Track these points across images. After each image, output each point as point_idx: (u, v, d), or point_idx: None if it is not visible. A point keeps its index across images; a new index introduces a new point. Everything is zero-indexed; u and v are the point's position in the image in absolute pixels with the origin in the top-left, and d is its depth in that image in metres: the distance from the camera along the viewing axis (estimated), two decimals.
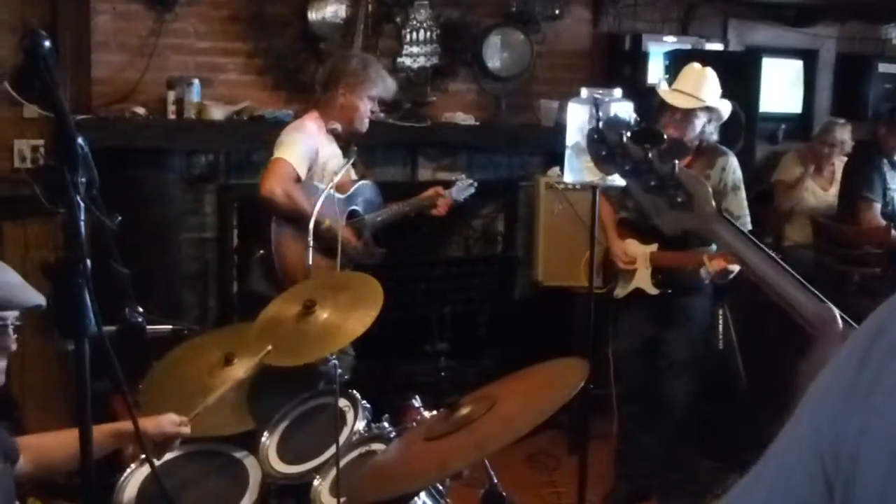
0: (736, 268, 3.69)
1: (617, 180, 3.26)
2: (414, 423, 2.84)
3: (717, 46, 6.09)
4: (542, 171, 5.56)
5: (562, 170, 3.74)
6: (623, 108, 3.13)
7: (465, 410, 2.41)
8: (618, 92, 3.50)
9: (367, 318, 2.71)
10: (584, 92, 3.48)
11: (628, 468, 4.41)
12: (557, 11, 5.73)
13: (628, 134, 1.46)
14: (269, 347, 2.70)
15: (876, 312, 0.81)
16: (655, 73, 5.54)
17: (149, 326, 2.32)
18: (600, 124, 1.49)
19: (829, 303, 1.32)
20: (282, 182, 3.70)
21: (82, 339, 1.59)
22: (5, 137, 4.61)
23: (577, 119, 3.42)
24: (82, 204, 1.55)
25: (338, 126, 3.93)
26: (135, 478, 2.63)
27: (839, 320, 1.27)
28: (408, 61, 5.37)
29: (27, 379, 4.40)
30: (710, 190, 1.43)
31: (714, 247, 3.78)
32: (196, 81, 4.81)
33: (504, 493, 2.65)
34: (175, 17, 4.86)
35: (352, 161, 3.84)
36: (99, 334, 1.62)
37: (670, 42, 5.82)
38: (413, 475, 2.38)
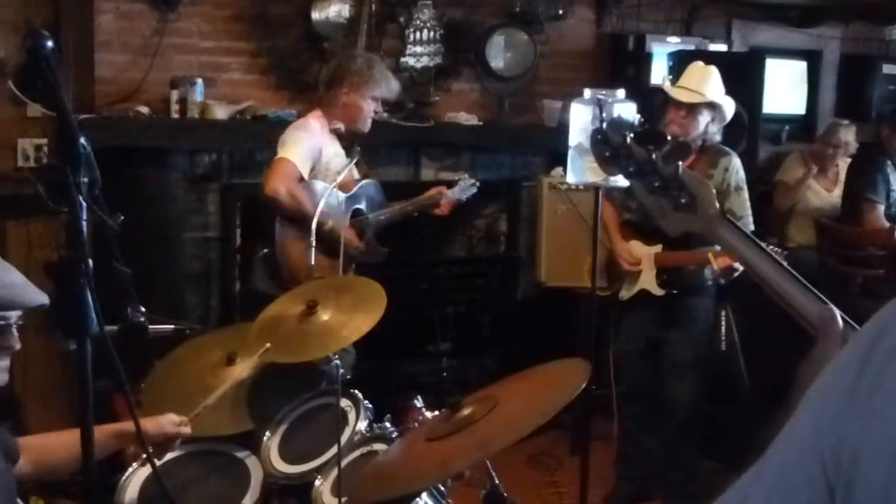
0: (741, 266, 3.69)
1: (620, 181, 3.26)
2: (416, 424, 2.84)
3: (720, 47, 6.08)
4: (545, 172, 5.56)
5: (565, 170, 3.73)
6: (626, 109, 3.13)
7: (466, 411, 2.41)
8: (621, 93, 3.49)
9: (369, 321, 2.71)
10: (587, 92, 3.47)
11: (630, 469, 4.41)
12: (561, 11, 5.73)
13: (632, 135, 1.45)
14: (268, 345, 2.69)
15: (878, 314, 0.81)
16: (659, 73, 5.53)
17: (151, 326, 2.32)
18: (604, 125, 1.49)
19: (831, 304, 1.32)
20: (285, 182, 3.70)
21: (84, 339, 1.59)
22: (9, 136, 4.61)
23: (579, 120, 3.41)
24: (84, 204, 1.55)
25: (340, 126, 3.93)
26: (136, 477, 2.63)
27: (841, 322, 1.26)
28: (411, 61, 5.37)
29: (30, 378, 4.40)
30: (714, 191, 1.43)
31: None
32: (199, 81, 4.82)
33: (505, 494, 2.65)
34: (178, 16, 4.86)
35: (355, 160, 3.85)
36: (101, 334, 1.62)
37: (674, 42, 5.82)
38: (414, 475, 2.38)
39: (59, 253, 1.71)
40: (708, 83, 4.01)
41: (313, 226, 3.30)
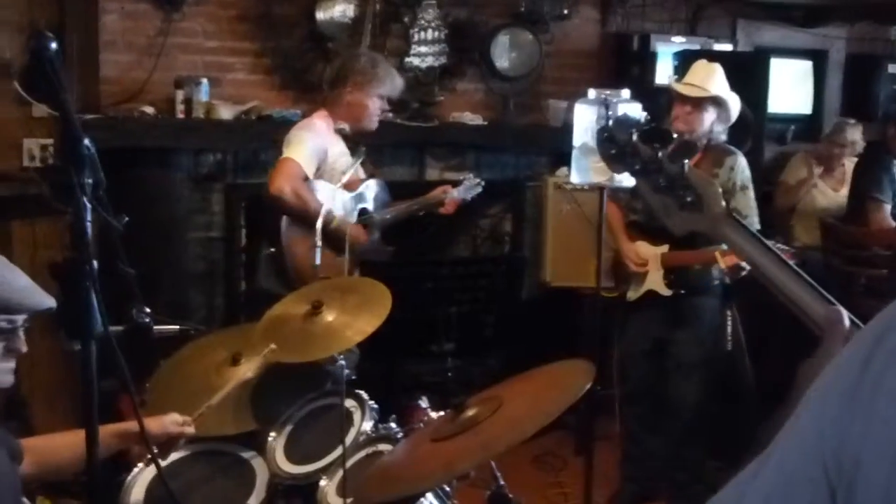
0: (747, 265, 3.68)
1: (624, 181, 3.27)
2: (421, 424, 2.84)
3: (725, 47, 6.08)
4: (550, 172, 5.56)
5: (570, 170, 3.73)
6: (631, 109, 3.13)
7: (471, 412, 2.41)
8: (626, 92, 3.49)
9: (373, 322, 2.71)
10: (591, 93, 3.47)
11: (634, 469, 4.40)
12: (566, 11, 5.73)
13: (638, 133, 1.45)
14: (273, 346, 2.69)
15: (882, 313, 0.80)
16: (664, 73, 5.53)
17: (155, 327, 2.32)
18: (610, 123, 1.48)
19: (839, 304, 1.31)
20: (290, 181, 3.70)
21: (89, 340, 1.59)
22: (15, 136, 4.62)
23: (584, 120, 3.42)
24: (88, 205, 1.55)
25: (345, 126, 3.92)
26: (142, 478, 2.63)
27: (847, 322, 1.26)
28: (416, 61, 5.37)
29: (35, 378, 4.41)
30: (720, 190, 1.43)
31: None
32: (204, 81, 4.82)
33: (510, 495, 2.65)
34: (183, 16, 4.86)
35: (360, 160, 3.84)
36: (105, 334, 1.62)
37: (679, 42, 5.81)
38: (419, 476, 2.38)
39: (64, 253, 1.71)
40: (712, 79, 4.02)
41: (318, 225, 3.30)
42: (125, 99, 4.74)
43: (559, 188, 5.31)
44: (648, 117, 1.54)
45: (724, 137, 4.14)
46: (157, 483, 2.57)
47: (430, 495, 2.55)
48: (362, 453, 2.79)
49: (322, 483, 2.71)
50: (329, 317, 2.77)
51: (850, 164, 5.96)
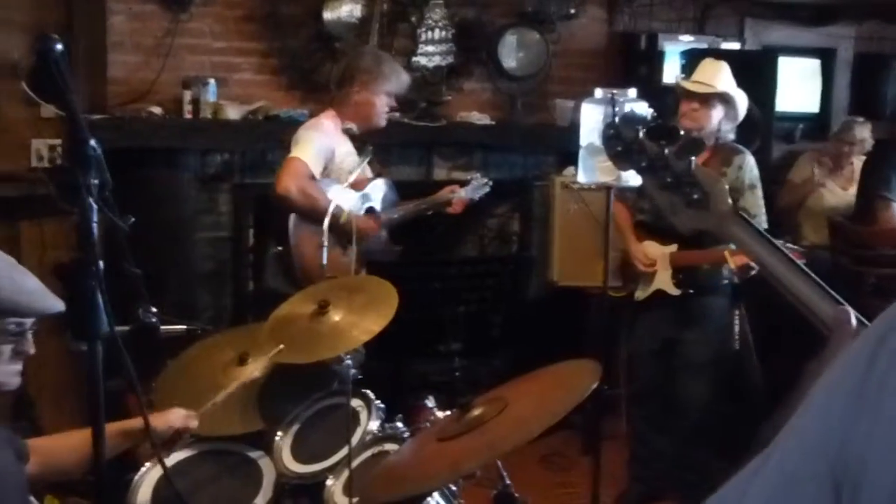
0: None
1: (631, 181, 3.26)
2: (427, 424, 2.84)
3: (733, 45, 6.06)
4: (557, 171, 5.55)
5: (577, 170, 3.73)
6: (638, 108, 3.12)
7: (477, 411, 2.41)
8: (633, 91, 3.48)
9: (380, 322, 2.71)
10: (598, 92, 3.46)
11: (641, 469, 4.39)
12: (573, 11, 5.72)
13: (644, 130, 1.44)
14: (281, 346, 2.69)
15: (886, 312, 0.79)
16: (671, 72, 5.51)
17: (162, 327, 2.32)
18: (616, 120, 1.48)
19: (847, 305, 1.31)
20: (296, 180, 3.71)
21: (95, 341, 1.59)
22: (23, 137, 4.63)
23: (590, 119, 3.41)
24: (95, 205, 1.55)
25: (352, 126, 3.92)
26: (149, 477, 2.63)
27: (855, 322, 1.25)
28: (423, 60, 5.37)
29: (43, 378, 4.42)
30: (727, 188, 1.42)
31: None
32: (212, 81, 4.83)
33: (517, 494, 2.65)
34: (190, 17, 4.87)
35: (367, 159, 3.84)
36: (112, 335, 1.63)
37: (686, 41, 5.79)
38: (425, 476, 2.38)
39: (71, 254, 1.71)
40: (720, 77, 4.02)
41: (325, 225, 3.30)
42: (133, 99, 4.75)
43: (566, 188, 5.30)
44: (655, 114, 1.53)
45: (732, 136, 4.13)
46: (165, 482, 2.58)
47: (436, 494, 2.55)
48: (368, 453, 2.79)
49: (329, 482, 2.71)
50: (336, 316, 2.77)
51: (858, 162, 5.93)
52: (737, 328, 4.36)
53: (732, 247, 3.77)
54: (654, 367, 4.30)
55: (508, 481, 2.66)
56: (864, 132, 5.95)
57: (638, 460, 4.42)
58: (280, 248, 3.90)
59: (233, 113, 4.84)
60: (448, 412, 2.74)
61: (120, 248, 1.78)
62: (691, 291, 4.13)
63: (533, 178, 5.73)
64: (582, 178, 3.62)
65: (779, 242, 1.40)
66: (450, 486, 2.65)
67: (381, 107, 4.03)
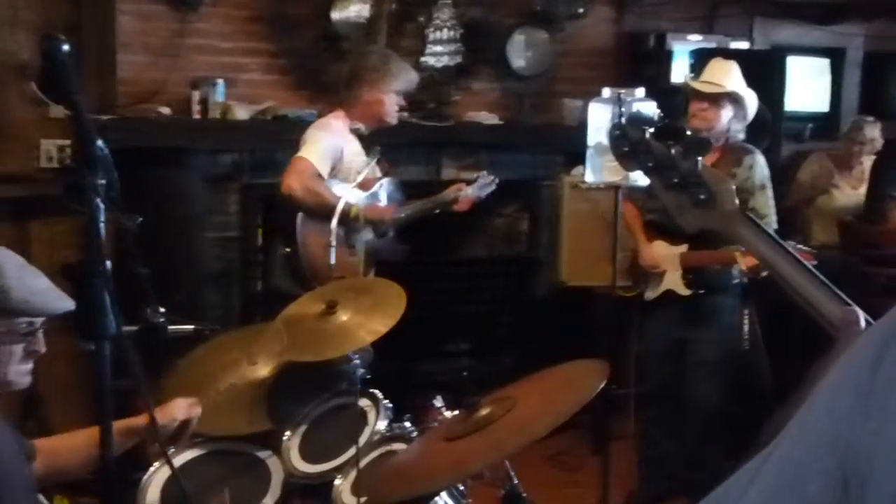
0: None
1: (639, 180, 3.26)
2: (435, 423, 2.84)
3: (742, 45, 6.05)
4: (565, 171, 5.54)
5: (585, 169, 3.73)
6: (646, 108, 3.12)
7: (484, 411, 2.41)
8: (640, 91, 3.48)
9: (387, 322, 2.71)
10: (606, 92, 3.46)
11: (651, 470, 4.38)
12: (581, 10, 5.71)
13: (651, 130, 1.44)
14: (284, 339, 2.70)
15: (891, 312, 0.79)
16: (679, 72, 5.51)
17: (170, 326, 2.33)
18: (623, 120, 1.47)
19: (854, 305, 1.30)
20: (300, 178, 3.71)
21: (102, 341, 1.59)
22: (33, 137, 4.65)
23: (598, 119, 3.41)
24: (102, 205, 1.56)
25: (360, 126, 3.93)
26: (157, 477, 2.64)
27: (862, 322, 1.24)
28: (431, 60, 5.37)
29: (52, 377, 4.43)
30: (734, 188, 1.41)
31: None
32: (220, 81, 4.84)
33: (525, 494, 2.64)
34: (199, 17, 4.88)
35: (375, 159, 3.85)
36: (119, 335, 1.63)
37: (695, 41, 5.78)
38: (433, 475, 2.38)
39: (80, 254, 1.72)
40: (729, 76, 4.01)
41: (333, 224, 3.30)
42: (141, 99, 4.76)
43: (575, 187, 5.29)
44: (661, 114, 1.53)
45: (742, 136, 4.12)
46: (173, 482, 2.58)
47: (444, 494, 2.55)
48: (376, 452, 2.78)
49: (337, 482, 2.71)
50: (343, 316, 2.77)
51: (868, 162, 5.91)
52: (746, 328, 4.35)
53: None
54: (664, 368, 4.29)
55: (516, 481, 2.66)
56: (873, 132, 5.93)
57: (647, 461, 4.41)
58: (288, 250, 3.91)
59: (241, 113, 4.85)
60: (456, 412, 2.73)
61: (128, 248, 1.79)
62: (701, 292, 4.12)
63: (541, 178, 5.72)
64: (590, 177, 3.62)
65: (790, 244, 1.40)
66: (458, 486, 2.64)
67: (391, 105, 4.03)
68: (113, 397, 1.71)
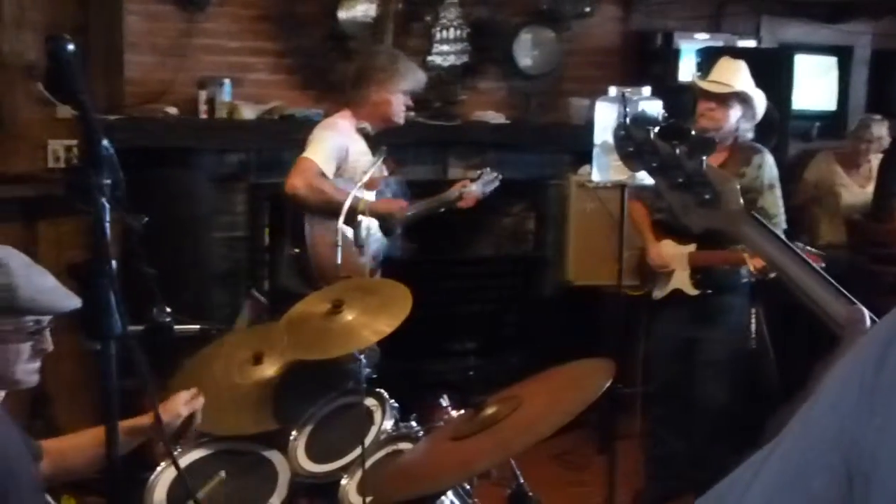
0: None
1: (646, 179, 3.25)
2: (441, 423, 2.84)
3: (749, 43, 6.03)
4: (572, 170, 5.53)
5: (592, 168, 3.72)
6: (652, 106, 3.12)
7: (491, 410, 2.41)
8: (647, 90, 3.48)
9: (392, 322, 2.71)
10: (612, 90, 3.46)
11: (658, 469, 4.38)
12: (588, 9, 5.70)
13: (655, 130, 1.44)
14: (287, 337, 2.70)
15: (890, 314, 0.79)
16: (687, 71, 5.50)
17: (177, 326, 2.33)
18: (627, 120, 1.47)
19: (860, 304, 1.30)
20: (303, 178, 3.71)
21: (108, 341, 1.60)
22: (40, 137, 4.66)
23: (605, 118, 3.40)
24: (107, 205, 1.56)
25: (366, 126, 3.93)
26: (164, 477, 2.64)
27: (868, 321, 1.24)
28: (438, 60, 5.37)
29: (59, 375, 4.44)
30: (739, 188, 1.41)
31: None
32: (227, 81, 4.84)
33: (531, 493, 2.64)
34: (206, 17, 4.88)
35: (382, 159, 3.85)
36: (125, 335, 1.63)
37: (702, 39, 5.77)
38: (439, 475, 2.38)
39: (87, 254, 1.72)
40: (737, 76, 4.00)
41: (340, 223, 3.30)
42: (149, 99, 4.77)
43: (582, 186, 5.29)
44: (666, 114, 1.53)
45: (751, 135, 4.12)
46: (180, 482, 2.59)
47: (450, 493, 2.55)
48: (383, 452, 2.79)
49: (343, 481, 2.71)
50: (349, 316, 2.77)
51: (875, 160, 5.89)
52: (754, 327, 4.35)
53: None
54: (672, 367, 4.28)
55: (522, 480, 2.66)
56: (881, 130, 5.92)
57: (654, 460, 4.40)
58: (296, 251, 3.91)
59: (248, 113, 4.85)
60: (462, 411, 2.73)
61: (133, 248, 1.79)
62: (709, 291, 4.12)
63: (548, 177, 5.71)
64: (597, 176, 3.62)
65: (797, 246, 1.40)
66: (464, 485, 2.65)
67: (399, 105, 4.03)
68: (119, 397, 1.71)
